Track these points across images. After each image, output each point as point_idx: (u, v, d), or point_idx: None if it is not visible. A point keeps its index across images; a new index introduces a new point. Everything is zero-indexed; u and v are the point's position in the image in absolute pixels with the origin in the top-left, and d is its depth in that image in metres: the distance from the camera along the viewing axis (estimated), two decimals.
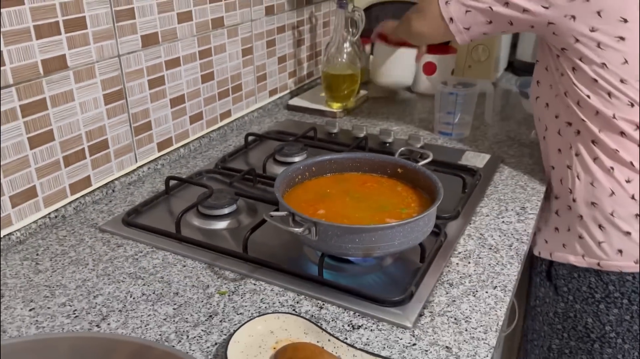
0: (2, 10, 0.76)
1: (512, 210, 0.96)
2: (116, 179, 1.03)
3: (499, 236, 0.88)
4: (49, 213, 0.90)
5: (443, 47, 1.53)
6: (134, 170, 1.07)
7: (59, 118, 0.89)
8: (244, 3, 1.27)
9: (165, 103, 1.11)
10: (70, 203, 0.94)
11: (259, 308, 0.72)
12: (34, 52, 0.83)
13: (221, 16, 1.21)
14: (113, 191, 1.02)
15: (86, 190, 0.97)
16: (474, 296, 0.74)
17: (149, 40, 1.04)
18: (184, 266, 0.81)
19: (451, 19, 0.92)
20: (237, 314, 0.70)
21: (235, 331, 0.64)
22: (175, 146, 1.16)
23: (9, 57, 0.80)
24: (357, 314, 0.70)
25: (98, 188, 0.99)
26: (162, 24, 1.06)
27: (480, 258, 0.82)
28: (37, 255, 0.83)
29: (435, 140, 1.25)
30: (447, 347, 0.65)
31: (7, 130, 0.81)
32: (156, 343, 0.55)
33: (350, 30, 1.36)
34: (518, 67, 1.72)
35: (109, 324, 0.69)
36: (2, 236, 0.83)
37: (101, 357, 0.54)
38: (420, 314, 0.70)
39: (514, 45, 1.73)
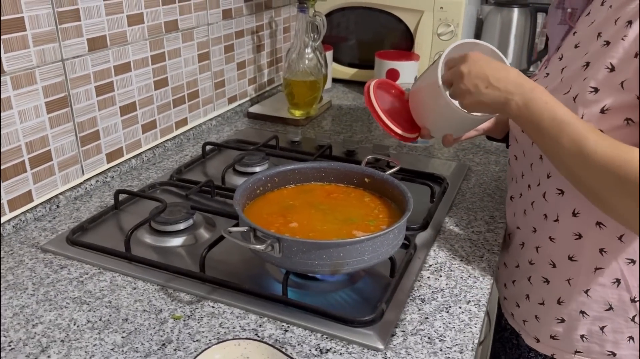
0: None
1: (481, 219, 0.93)
2: (61, 194, 0.95)
3: (470, 247, 0.85)
4: None
5: (406, 54, 1.51)
6: (81, 183, 0.99)
7: None
8: (200, 6, 1.21)
9: (115, 111, 1.04)
10: (8, 220, 0.85)
11: (218, 333, 0.66)
12: None
13: (175, 19, 1.15)
14: (57, 206, 0.94)
15: (27, 206, 0.89)
16: (447, 312, 0.70)
17: (96, 44, 0.97)
18: (135, 288, 0.74)
19: None
20: (194, 341, 0.64)
21: None
22: (126, 157, 1.09)
23: None
24: (325, 336, 0.65)
25: (40, 203, 0.91)
26: (110, 27, 0.99)
27: (451, 270, 0.79)
28: None
29: (400, 148, 1.22)
30: None
31: None
32: None
33: (312, 35, 1.32)
34: None
35: (48, 356, 0.62)
36: None
37: None
38: (392, 335, 0.66)
39: None
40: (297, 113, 1.36)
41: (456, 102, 0.76)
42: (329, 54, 1.58)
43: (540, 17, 1.64)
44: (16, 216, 0.87)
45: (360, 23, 1.63)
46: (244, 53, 1.42)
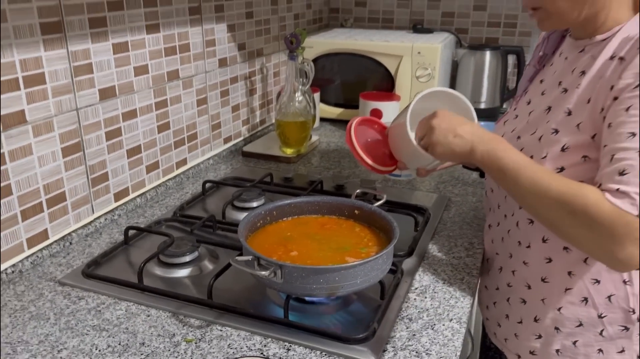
0: None
1: (461, 245, 1.02)
2: (73, 231, 1.02)
3: (451, 271, 0.94)
4: (6, 269, 0.89)
5: (388, 95, 1.63)
6: (91, 221, 1.06)
7: (17, 173, 0.89)
8: (199, 56, 1.32)
9: (122, 154, 1.13)
10: (27, 257, 0.93)
11: (227, 353, 0.73)
12: None
13: (176, 69, 1.25)
14: (70, 243, 1.01)
15: (43, 244, 0.96)
16: (432, 329, 0.78)
17: (107, 94, 1.06)
18: (149, 315, 0.81)
19: None
20: None
21: None
22: (131, 196, 1.17)
23: None
24: (324, 353, 0.73)
25: (55, 241, 0.98)
26: (119, 78, 1.09)
27: (435, 292, 0.87)
28: None
29: (385, 182, 1.32)
30: None
31: None
32: None
33: (301, 80, 1.43)
34: None
35: None
36: None
37: None
38: (384, 350, 0.74)
39: None
40: (289, 152, 1.46)
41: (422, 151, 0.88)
42: (317, 96, 1.69)
43: (510, 58, 1.78)
44: (33, 253, 0.94)
45: (345, 67, 1.75)
46: (238, 97, 1.53)
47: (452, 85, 1.85)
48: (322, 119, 1.78)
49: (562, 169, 0.77)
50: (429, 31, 1.83)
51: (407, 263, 0.95)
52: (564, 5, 0.75)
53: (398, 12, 2.02)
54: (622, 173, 0.67)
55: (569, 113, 0.77)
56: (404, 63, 1.63)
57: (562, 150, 0.77)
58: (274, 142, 1.51)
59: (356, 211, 0.94)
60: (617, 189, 0.67)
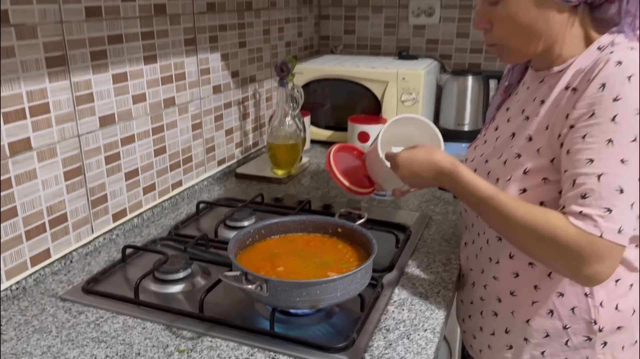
0: None
1: (439, 261, 1.08)
2: (74, 250, 1.08)
3: (428, 285, 1.00)
4: (10, 286, 0.95)
5: (375, 118, 1.71)
6: (91, 241, 1.13)
7: (22, 196, 0.96)
8: (194, 84, 1.40)
9: (121, 176, 1.19)
10: (30, 275, 0.99)
11: None
12: (1, 136, 0.91)
13: (172, 96, 1.33)
14: (71, 261, 1.07)
15: (45, 262, 1.02)
16: (408, 339, 0.84)
17: (106, 121, 1.13)
18: (144, 328, 0.87)
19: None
20: None
21: None
22: (129, 216, 1.23)
23: None
24: None
25: (57, 259, 1.04)
26: (118, 106, 1.16)
27: (412, 305, 0.93)
28: (1, 325, 0.87)
29: (370, 201, 1.38)
30: None
31: None
32: None
33: (291, 105, 1.50)
34: (442, 135, 1.92)
35: None
36: None
37: None
38: (362, 358, 0.80)
39: (436, 114, 1.93)
40: (280, 173, 1.53)
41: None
42: (307, 119, 1.76)
43: (492, 83, 1.86)
44: (36, 271, 1.00)
45: (335, 91, 1.83)
46: (232, 121, 1.60)
47: (437, 107, 1.93)
48: (313, 141, 1.85)
49: (524, 190, 0.84)
50: (414, 57, 1.92)
51: (387, 278, 1.01)
52: (519, 41, 0.83)
53: (385, 39, 2.11)
54: (583, 197, 0.74)
55: (530, 139, 0.84)
56: (390, 89, 1.71)
57: (524, 173, 0.84)
58: (266, 164, 1.59)
59: (339, 229, 1.00)
60: (580, 212, 0.73)
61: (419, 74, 1.68)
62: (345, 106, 1.82)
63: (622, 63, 0.73)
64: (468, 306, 1.04)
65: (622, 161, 0.71)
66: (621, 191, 0.71)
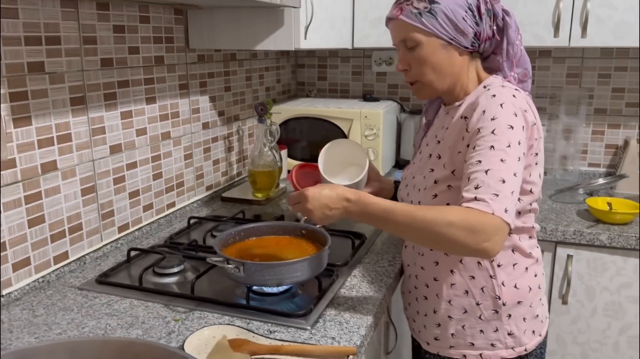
0: (16, 129, 1.11)
1: (385, 259, 1.33)
2: (87, 254, 1.32)
3: (375, 274, 1.24)
4: (38, 279, 1.18)
5: None
6: (100, 247, 1.36)
7: (49, 206, 1.20)
8: (186, 121, 1.67)
9: (125, 196, 1.44)
10: (53, 271, 1.22)
11: (204, 326, 1.02)
12: (36, 158, 1.16)
13: (168, 130, 1.60)
14: (84, 263, 1.31)
15: (64, 262, 1.25)
16: (354, 309, 1.08)
17: (115, 149, 1.39)
18: (147, 306, 1.10)
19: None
20: (189, 331, 1.01)
21: (188, 336, 0.95)
22: (131, 229, 1.47)
23: (19, 161, 1.12)
24: (273, 324, 1.03)
25: (73, 260, 1.28)
26: (124, 137, 1.42)
27: (360, 288, 1.18)
28: (33, 306, 1.10)
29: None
30: (332, 337, 0.98)
31: (13, 214, 1.12)
32: (137, 339, 0.84)
33: (269, 138, 1.78)
34: (402, 164, 2.20)
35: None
36: (4, 294, 1.10)
37: (95, 355, 0.79)
38: (316, 322, 1.03)
39: (398, 147, 2.22)
40: (259, 196, 1.78)
41: (335, 181, 1.19)
42: (284, 152, 2.03)
43: None
44: (58, 268, 1.23)
45: (309, 128, 2.11)
46: (219, 153, 1.87)
47: (398, 142, 2.22)
48: (289, 171, 2.11)
49: (435, 195, 1.09)
50: (376, 99, 2.22)
51: (343, 270, 1.25)
52: (432, 77, 1.10)
53: (353, 85, 2.43)
54: (476, 187, 0.97)
55: (439, 157, 1.11)
56: (355, 125, 2.00)
57: (435, 182, 1.10)
58: (248, 189, 1.84)
59: (303, 231, 1.25)
60: (475, 197, 0.96)
61: (379, 113, 1.97)
62: (317, 141, 2.09)
63: (495, 95, 1.01)
64: (407, 296, 1.28)
65: (502, 160, 0.97)
66: (503, 181, 0.96)
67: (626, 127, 2.12)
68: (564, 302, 1.71)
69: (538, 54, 2.15)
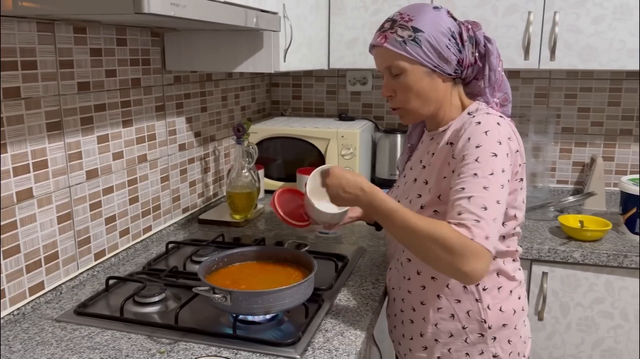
0: None
1: (369, 281, 1.34)
2: (63, 283, 1.27)
3: (360, 298, 1.25)
4: (13, 311, 1.13)
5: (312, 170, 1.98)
6: (77, 276, 1.32)
7: (24, 235, 1.16)
8: (162, 143, 1.65)
9: (101, 221, 1.41)
10: (28, 303, 1.17)
11: (191, 357, 1.00)
12: (11, 186, 1.12)
13: (145, 153, 1.57)
14: (61, 293, 1.26)
15: (40, 292, 1.21)
16: (342, 335, 1.08)
17: (91, 174, 1.36)
18: (129, 338, 1.07)
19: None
20: None
21: None
22: (107, 256, 1.44)
23: None
24: (262, 354, 1.01)
25: (49, 290, 1.23)
26: (101, 162, 1.39)
27: (347, 312, 1.18)
28: (9, 341, 1.05)
29: (317, 238, 1.64)
30: None
31: None
32: None
33: (247, 159, 1.77)
34: (378, 183, 2.22)
35: None
36: None
37: None
38: (305, 351, 1.03)
39: (373, 166, 2.24)
40: (238, 217, 1.77)
41: (321, 207, 1.19)
42: (261, 172, 2.02)
43: None
44: (33, 299, 1.19)
45: (285, 148, 2.11)
46: (195, 174, 1.85)
47: (373, 160, 2.24)
48: (267, 191, 2.11)
49: None
50: (352, 119, 2.24)
51: (328, 294, 1.25)
52: (416, 104, 1.12)
53: (327, 104, 2.44)
54: (459, 214, 1.00)
55: (425, 183, 1.13)
56: (331, 145, 2.01)
57: (421, 207, 1.11)
58: (225, 211, 1.82)
59: (287, 256, 1.25)
60: (458, 222, 0.99)
61: (355, 133, 1.99)
62: (294, 160, 2.10)
63: (480, 123, 1.04)
64: (393, 319, 1.29)
65: (485, 188, 0.99)
66: (485, 208, 0.98)
67: (592, 145, 2.20)
68: (540, 318, 1.74)
69: (508, 75, 2.21)
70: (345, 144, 1.99)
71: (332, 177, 1.10)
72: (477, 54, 1.11)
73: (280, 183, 2.12)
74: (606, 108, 2.16)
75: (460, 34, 1.08)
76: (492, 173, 1.00)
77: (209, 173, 1.95)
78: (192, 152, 1.82)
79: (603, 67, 1.81)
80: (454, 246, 0.95)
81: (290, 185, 2.08)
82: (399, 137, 2.15)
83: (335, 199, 1.11)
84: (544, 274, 1.70)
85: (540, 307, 1.73)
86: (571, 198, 1.91)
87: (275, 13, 1.42)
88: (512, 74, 2.22)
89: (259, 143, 2.09)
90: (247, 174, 1.76)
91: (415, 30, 1.06)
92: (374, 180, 2.27)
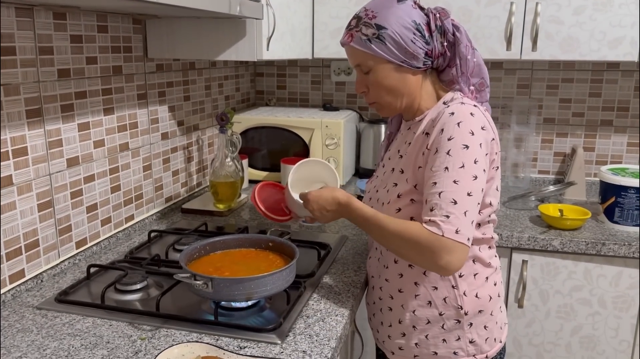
0: None
1: (351, 269, 1.35)
2: (44, 271, 1.27)
3: (342, 285, 1.26)
4: None
5: (296, 160, 1.99)
6: (58, 264, 1.31)
7: (4, 223, 1.15)
8: (145, 131, 1.64)
9: (83, 210, 1.40)
10: (8, 291, 1.16)
11: (172, 344, 1.00)
12: None
13: (127, 142, 1.56)
14: (42, 281, 1.26)
15: (21, 280, 1.20)
16: (323, 321, 1.09)
17: (72, 162, 1.35)
18: (111, 325, 1.07)
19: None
20: (156, 350, 0.98)
21: (157, 356, 0.93)
22: (89, 244, 1.43)
23: None
24: (243, 340, 1.02)
25: (30, 278, 1.23)
26: (82, 150, 1.38)
27: (328, 299, 1.19)
28: None
29: (301, 227, 1.64)
30: (303, 351, 0.98)
31: None
32: None
33: (230, 149, 1.76)
34: (362, 173, 2.24)
35: None
36: None
37: None
38: (286, 336, 1.03)
39: (358, 156, 2.25)
40: (221, 207, 1.77)
41: (301, 202, 1.20)
42: (245, 162, 2.02)
43: None
44: (13, 287, 1.18)
45: (270, 138, 2.11)
46: (178, 163, 1.84)
47: (357, 150, 2.25)
48: (251, 181, 2.11)
49: (399, 209, 1.12)
50: (336, 109, 2.25)
51: (310, 281, 1.26)
52: (389, 99, 1.13)
53: (312, 94, 2.44)
54: (431, 210, 1.02)
55: (402, 172, 1.14)
56: (316, 135, 2.01)
57: (398, 196, 1.13)
58: (209, 200, 1.82)
59: (270, 244, 1.25)
60: (429, 219, 1.02)
61: (339, 123, 1.99)
62: (278, 150, 2.10)
63: (454, 113, 1.04)
64: (372, 306, 1.30)
65: (455, 181, 1.01)
66: (455, 202, 1.00)
67: (573, 136, 2.23)
68: (520, 306, 1.77)
69: (490, 66, 2.23)
70: (329, 134, 2.00)
71: (311, 203, 1.18)
72: (445, 43, 1.11)
73: (264, 173, 2.12)
74: (587, 99, 2.19)
75: (428, 24, 1.08)
76: (462, 166, 1.01)
77: (192, 163, 1.94)
78: (175, 141, 1.81)
79: (584, 57, 1.84)
80: (423, 245, 1.01)
81: (274, 175, 2.09)
82: (383, 127, 2.16)
83: (322, 219, 1.20)
84: (524, 262, 1.73)
85: (520, 294, 1.76)
86: (552, 188, 1.94)
87: (258, 1, 1.42)
88: (494, 65, 2.24)
89: (243, 133, 2.09)
90: (230, 163, 1.75)
91: (379, 27, 1.06)
92: (358, 170, 2.28)
